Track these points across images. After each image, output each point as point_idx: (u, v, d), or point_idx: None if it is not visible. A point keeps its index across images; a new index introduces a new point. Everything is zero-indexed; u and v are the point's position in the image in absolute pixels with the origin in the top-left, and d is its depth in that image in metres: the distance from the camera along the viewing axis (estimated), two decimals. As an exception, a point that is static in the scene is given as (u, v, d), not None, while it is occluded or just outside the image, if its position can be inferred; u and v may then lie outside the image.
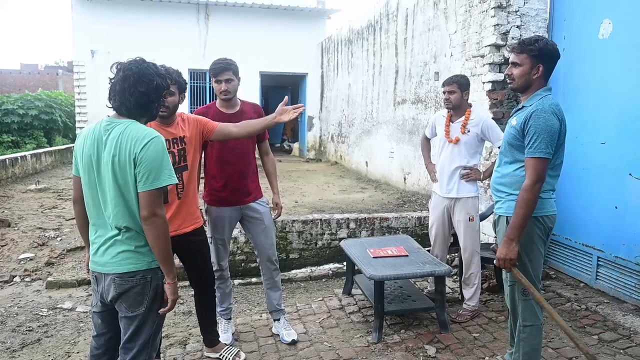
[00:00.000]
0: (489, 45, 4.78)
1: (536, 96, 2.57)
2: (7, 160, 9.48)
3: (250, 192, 3.38)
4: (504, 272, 2.75)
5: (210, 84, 14.05)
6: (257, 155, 3.53)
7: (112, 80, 2.13)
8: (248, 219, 3.44)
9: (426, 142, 4.22)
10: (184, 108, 10.79)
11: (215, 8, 13.38)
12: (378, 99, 9.27)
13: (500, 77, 4.75)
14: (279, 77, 14.67)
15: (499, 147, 3.78)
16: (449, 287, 4.39)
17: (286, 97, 3.31)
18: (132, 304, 2.12)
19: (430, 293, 4.03)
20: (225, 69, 3.21)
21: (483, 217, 4.21)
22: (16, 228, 6.32)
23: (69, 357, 3.51)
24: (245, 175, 3.33)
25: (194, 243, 3.02)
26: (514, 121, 2.62)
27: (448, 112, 3.86)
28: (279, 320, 3.60)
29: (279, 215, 3.62)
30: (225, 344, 3.30)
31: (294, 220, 5.36)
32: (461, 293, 4.01)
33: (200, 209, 3.19)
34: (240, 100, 3.42)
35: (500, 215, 2.70)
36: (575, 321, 3.69)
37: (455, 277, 4.57)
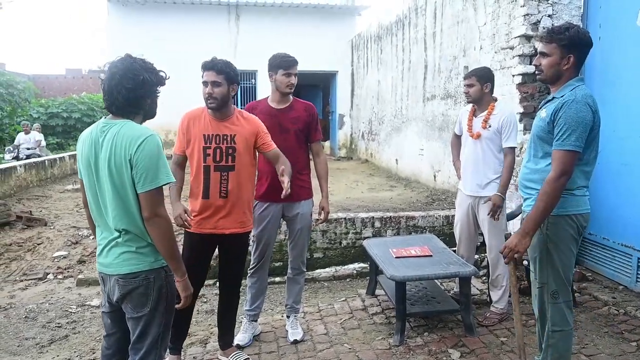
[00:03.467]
0: (518, 37, 4.59)
1: (567, 87, 2.42)
2: (46, 161, 9.80)
3: (293, 191, 3.27)
4: (532, 273, 2.61)
5: (241, 83, 14.25)
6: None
7: (102, 81, 2.10)
8: (286, 218, 3.45)
9: (456, 140, 4.07)
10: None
11: (245, 9, 13.46)
12: (407, 95, 9.11)
13: (531, 69, 4.54)
14: (310, 76, 14.61)
15: (500, 152, 3.63)
16: (477, 289, 4.24)
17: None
18: (136, 305, 2.11)
19: (456, 294, 3.89)
20: (295, 63, 3.31)
21: (512, 216, 4.04)
22: (52, 227, 6.51)
23: (93, 353, 3.57)
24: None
25: (233, 246, 3.06)
26: (543, 113, 2.48)
27: (472, 106, 3.72)
28: (289, 317, 3.59)
29: (325, 220, 3.55)
30: (235, 348, 3.26)
31: (317, 219, 5.28)
32: (489, 295, 3.86)
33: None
34: (292, 97, 3.43)
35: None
36: (612, 326, 3.49)
37: (484, 278, 4.41)
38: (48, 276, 5.23)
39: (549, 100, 2.51)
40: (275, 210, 3.36)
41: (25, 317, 4.27)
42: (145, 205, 2.03)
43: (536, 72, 2.56)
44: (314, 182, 3.54)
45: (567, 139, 2.31)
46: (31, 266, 5.46)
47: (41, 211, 7.29)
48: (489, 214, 3.58)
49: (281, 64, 3.28)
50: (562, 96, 2.41)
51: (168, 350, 3.02)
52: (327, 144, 15.48)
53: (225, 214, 2.94)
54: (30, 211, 6.99)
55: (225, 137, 2.91)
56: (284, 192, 2.80)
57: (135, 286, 2.09)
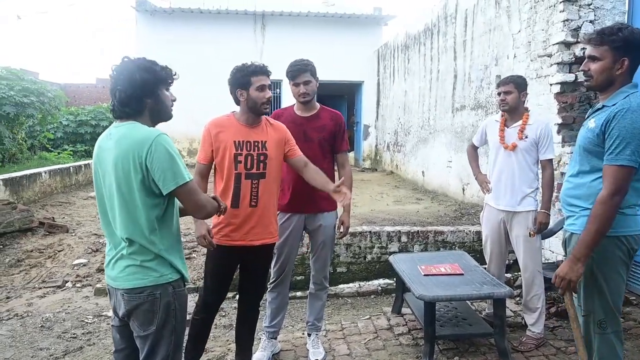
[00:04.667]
0: (557, 43, 4.35)
1: (620, 94, 2.19)
2: (71, 168, 9.86)
3: (316, 202, 3.20)
4: (575, 299, 2.37)
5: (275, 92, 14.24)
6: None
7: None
8: (308, 230, 3.30)
9: (473, 151, 3.86)
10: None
11: (271, 18, 13.45)
12: (435, 106, 8.88)
13: (570, 77, 4.31)
14: (335, 86, 14.51)
15: (535, 164, 3.40)
16: (511, 311, 3.98)
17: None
18: (142, 323, 2.00)
19: (489, 316, 3.65)
20: (302, 71, 3.12)
21: (550, 234, 3.78)
22: (73, 234, 6.47)
23: (107, 367, 3.44)
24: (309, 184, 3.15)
25: (258, 257, 2.91)
26: (592, 123, 2.25)
27: (502, 116, 3.51)
28: (310, 335, 3.41)
29: (344, 235, 3.36)
30: None
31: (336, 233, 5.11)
32: (524, 318, 3.60)
33: None
34: (320, 105, 3.29)
35: (572, 233, 2.33)
36: (660, 356, 3.20)
37: (518, 299, 4.14)
38: (67, 284, 5.16)
39: (599, 109, 2.28)
40: (297, 222, 3.20)
41: (41, 326, 4.18)
42: (182, 201, 2.03)
43: (584, 78, 2.34)
44: None
45: (620, 153, 2.09)
46: (50, 273, 5.40)
47: (64, 218, 7.28)
48: (531, 233, 3.35)
49: (289, 73, 3.16)
50: (614, 105, 2.18)
51: None
52: (351, 154, 15.31)
53: (254, 223, 2.80)
54: (53, 217, 6.98)
55: (256, 144, 2.79)
56: (343, 201, 2.75)
57: (140, 302, 1.98)
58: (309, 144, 3.14)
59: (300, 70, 3.11)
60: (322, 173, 2.95)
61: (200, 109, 10.63)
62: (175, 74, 2.14)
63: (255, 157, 2.78)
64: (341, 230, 3.30)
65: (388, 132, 12.54)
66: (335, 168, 3.37)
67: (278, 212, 3.21)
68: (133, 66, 2.00)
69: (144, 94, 2.01)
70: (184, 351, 2.85)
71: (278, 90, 13.34)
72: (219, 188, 2.82)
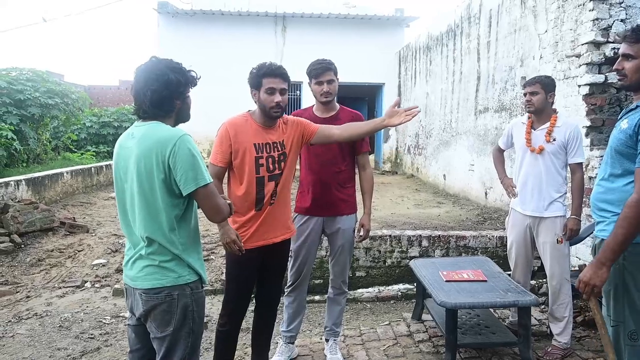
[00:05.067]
0: (586, 43, 4.21)
1: None
2: (92, 168, 9.97)
3: (335, 204, 3.13)
4: (604, 307, 2.26)
5: (293, 94, 14.22)
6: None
7: (132, 86, 2.04)
8: (327, 233, 3.23)
9: (499, 154, 3.74)
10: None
11: (292, 20, 13.44)
12: (458, 108, 8.73)
13: (599, 78, 4.16)
14: (356, 88, 14.42)
15: (564, 168, 3.27)
16: (536, 319, 3.84)
17: (397, 99, 3.10)
18: (160, 324, 1.98)
19: (513, 325, 3.53)
20: (327, 69, 3.06)
21: (578, 240, 3.64)
22: (94, 234, 6.52)
23: (123, 369, 3.41)
24: (329, 186, 3.10)
25: (277, 255, 2.86)
26: (624, 124, 2.14)
27: (529, 118, 3.38)
28: (327, 341, 3.34)
29: (364, 239, 3.29)
30: None
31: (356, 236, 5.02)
32: (549, 327, 3.47)
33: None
34: (339, 105, 3.23)
35: (603, 239, 2.21)
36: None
37: (543, 307, 4.01)
38: (86, 284, 5.18)
39: (632, 110, 2.17)
40: (315, 224, 3.14)
41: (60, 326, 4.19)
42: (200, 203, 2.01)
43: (617, 77, 2.23)
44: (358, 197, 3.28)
45: None
46: (70, 273, 5.43)
47: (84, 218, 7.35)
48: (558, 240, 3.22)
49: (311, 72, 3.08)
50: None
51: None
52: (371, 157, 15.19)
53: (274, 221, 2.75)
54: (74, 218, 7.05)
55: (275, 145, 2.72)
56: (401, 119, 2.85)
57: (157, 302, 1.96)
58: (328, 145, 3.07)
59: (324, 69, 3.05)
60: (355, 124, 2.91)
61: (221, 110, 10.60)
62: (199, 77, 2.14)
63: (276, 158, 2.72)
64: (361, 233, 3.23)
65: (409, 135, 12.40)
66: (356, 170, 3.30)
67: (296, 214, 3.17)
68: (164, 67, 2.00)
69: (175, 95, 2.02)
70: None
71: (298, 92, 13.32)
72: (237, 192, 2.70)
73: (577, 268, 4.33)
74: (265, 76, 2.64)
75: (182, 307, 1.99)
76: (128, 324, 2.17)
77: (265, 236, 2.74)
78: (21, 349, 3.82)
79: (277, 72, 2.65)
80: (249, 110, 2.82)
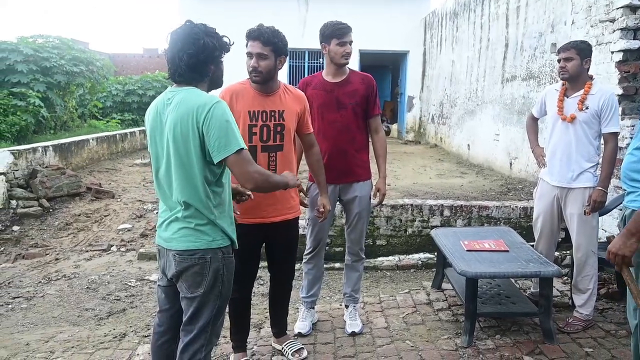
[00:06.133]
0: (622, 7, 4.02)
1: None
2: (117, 135, 10.11)
3: (351, 171, 3.11)
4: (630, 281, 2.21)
5: (309, 63, 14.06)
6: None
7: (165, 51, 2.03)
8: (342, 201, 3.21)
9: (533, 123, 3.63)
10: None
11: (315, -15, 13.16)
12: (484, 76, 8.51)
13: (635, 45, 3.99)
14: (379, 56, 14.18)
15: (597, 138, 3.15)
16: (558, 290, 3.81)
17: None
18: (191, 285, 2.03)
19: (534, 295, 3.50)
20: (349, 31, 3.00)
21: (605, 211, 3.56)
22: (119, 200, 6.65)
23: (148, 329, 3.52)
24: (345, 153, 3.06)
25: (281, 234, 2.77)
26: None
27: (562, 85, 3.26)
28: (347, 307, 3.36)
29: (380, 203, 3.28)
30: (290, 336, 3.09)
31: (382, 204, 5.01)
32: (572, 298, 3.43)
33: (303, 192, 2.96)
34: (349, 69, 3.15)
35: (634, 210, 2.15)
36: None
37: (565, 278, 3.96)
38: (112, 248, 5.32)
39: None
40: (331, 193, 3.08)
41: (87, 287, 4.34)
42: (233, 171, 2.01)
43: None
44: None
45: None
46: (97, 237, 5.58)
47: (110, 184, 7.49)
48: (586, 211, 3.14)
49: (334, 32, 2.97)
50: None
51: (232, 348, 2.89)
52: (394, 127, 15.03)
53: (273, 200, 2.65)
54: (100, 183, 7.19)
55: (272, 114, 2.61)
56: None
57: (191, 264, 2.01)
58: (342, 112, 3.02)
59: (347, 29, 2.98)
60: (322, 166, 2.87)
61: (242, 79, 10.61)
62: (232, 42, 2.14)
63: (272, 128, 2.61)
64: (377, 198, 3.21)
65: (433, 104, 12.19)
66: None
67: (311, 183, 3.14)
68: (200, 31, 1.99)
69: (210, 60, 2.03)
70: (230, 333, 2.88)
71: (321, 60, 13.14)
72: None
73: (604, 240, 4.26)
74: (247, 39, 2.57)
75: (214, 270, 2.03)
76: (158, 285, 2.22)
77: (264, 214, 2.65)
78: (51, 308, 3.97)
79: (254, 34, 2.53)
80: (249, 78, 2.72)
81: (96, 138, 9.12)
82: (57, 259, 5.05)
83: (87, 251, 5.24)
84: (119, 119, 14.61)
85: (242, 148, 1.95)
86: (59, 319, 3.80)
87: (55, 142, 7.85)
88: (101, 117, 14.70)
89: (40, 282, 4.49)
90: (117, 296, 4.18)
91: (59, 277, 4.56)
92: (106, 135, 9.67)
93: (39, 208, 6.09)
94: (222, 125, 1.92)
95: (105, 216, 6.13)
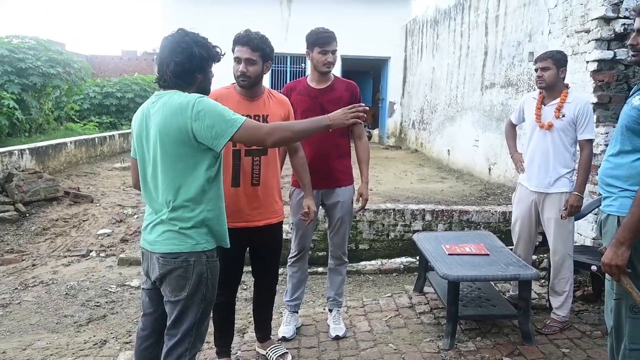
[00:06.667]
0: (596, 19, 4.15)
1: None
2: (96, 138, 9.98)
3: (334, 176, 3.13)
4: (607, 282, 2.28)
5: (291, 67, 14.07)
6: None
7: (156, 56, 2.09)
8: (325, 206, 3.23)
9: (511, 129, 3.73)
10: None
11: (297, -10, 13.21)
12: (464, 83, 8.65)
13: (609, 55, 4.11)
14: (361, 62, 14.27)
15: (573, 144, 3.25)
16: (536, 293, 3.89)
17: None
18: (175, 288, 2.03)
19: (513, 298, 3.57)
20: (333, 39, 3.03)
21: (580, 216, 3.65)
22: (98, 204, 6.57)
23: (129, 336, 3.48)
24: (328, 158, 3.09)
25: (265, 239, 2.79)
26: (637, 100, 2.12)
27: (540, 93, 3.35)
28: (331, 311, 3.38)
29: (363, 208, 3.32)
30: (274, 340, 3.09)
31: (365, 209, 5.05)
32: (549, 300, 3.51)
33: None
34: (334, 75, 3.18)
35: (609, 214, 2.22)
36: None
37: (543, 281, 4.05)
38: (91, 253, 5.24)
39: (644, 86, 2.15)
40: (314, 197, 3.08)
41: (66, 294, 4.27)
42: (248, 143, 2.20)
43: (631, 53, 2.20)
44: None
45: None
46: (75, 242, 5.50)
47: (89, 188, 7.39)
48: (562, 216, 3.23)
49: (317, 40, 3.00)
50: None
51: (216, 353, 2.88)
52: (375, 132, 15.13)
53: (257, 203, 2.67)
54: (78, 188, 7.09)
55: (257, 118, 2.63)
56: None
57: (174, 267, 2.02)
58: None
59: (330, 38, 3.01)
60: (307, 169, 2.86)
61: (226, 80, 10.58)
62: (223, 53, 2.18)
63: None
64: (360, 203, 3.25)
65: (414, 110, 12.33)
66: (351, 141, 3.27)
67: (294, 188, 3.16)
68: (190, 40, 2.03)
69: (197, 69, 2.06)
70: (215, 339, 2.87)
71: (303, 65, 13.18)
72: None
73: (578, 244, 4.36)
74: (235, 44, 2.60)
75: (198, 274, 2.03)
76: (142, 288, 2.22)
77: (248, 218, 2.65)
78: (28, 315, 3.90)
79: (243, 40, 2.56)
80: (234, 83, 2.76)
81: (74, 141, 8.98)
82: (34, 265, 4.96)
83: (66, 257, 5.15)
84: (96, 122, 14.38)
85: (243, 120, 1.98)
86: (37, 326, 3.74)
87: (32, 145, 7.72)
88: (78, 120, 14.45)
89: (16, 288, 4.40)
90: (97, 302, 4.12)
91: (36, 284, 4.48)
92: (85, 139, 9.53)
93: (15, 213, 5.97)
94: (213, 111, 1.95)
95: (84, 221, 6.05)
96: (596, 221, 2.45)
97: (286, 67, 13.23)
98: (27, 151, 7.20)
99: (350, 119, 2.26)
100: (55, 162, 8.14)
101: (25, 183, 6.27)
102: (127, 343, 3.33)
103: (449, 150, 9.49)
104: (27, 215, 6.07)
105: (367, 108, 2.41)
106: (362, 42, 12.98)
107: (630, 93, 2.27)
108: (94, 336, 3.49)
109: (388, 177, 7.97)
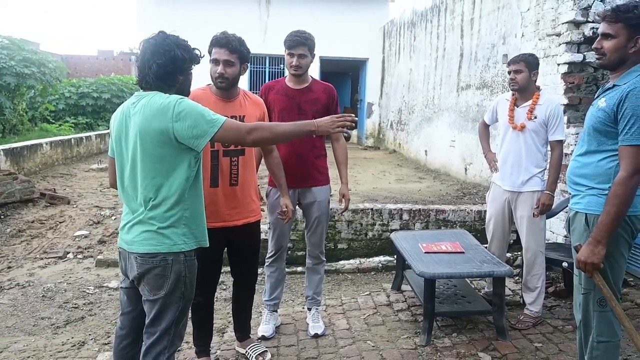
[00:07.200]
0: (566, 22, 4.28)
1: (632, 73, 2.16)
2: (72, 139, 9.84)
3: (310, 176, 3.17)
4: (575, 277, 2.38)
5: (270, 68, 14.07)
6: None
7: (137, 57, 2.10)
8: (302, 205, 3.26)
9: (485, 129, 3.82)
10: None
11: (276, -9, 13.23)
12: (440, 85, 8.79)
13: (578, 57, 4.25)
14: (339, 63, 14.36)
15: (544, 145, 3.35)
16: (510, 289, 4.00)
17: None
18: (153, 287, 2.05)
19: (488, 295, 3.66)
20: (300, 43, 3.03)
21: (552, 214, 3.77)
22: (75, 206, 6.49)
23: (108, 337, 3.47)
24: (305, 158, 3.13)
25: (244, 238, 2.81)
26: (602, 102, 2.22)
27: (513, 95, 3.45)
28: (310, 310, 3.42)
29: (346, 209, 3.39)
30: (253, 339, 3.12)
31: (339, 208, 5.11)
32: (522, 297, 3.62)
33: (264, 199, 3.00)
34: (312, 77, 3.23)
35: (577, 212, 2.32)
36: (657, 337, 3.22)
37: (517, 278, 4.16)
38: (68, 255, 5.18)
39: (609, 88, 2.25)
40: (291, 197, 3.12)
41: (43, 296, 4.22)
42: (229, 142, 2.27)
43: (596, 56, 2.30)
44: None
45: (636, 132, 2.06)
46: (52, 244, 5.42)
47: (65, 189, 7.29)
48: (534, 214, 3.33)
49: (285, 42, 3.06)
50: (625, 83, 2.15)
51: (196, 353, 2.89)
52: (354, 132, 15.22)
53: (235, 204, 2.70)
54: (54, 189, 6.99)
55: (234, 119, 2.62)
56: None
57: (152, 266, 2.03)
58: (302, 117, 3.03)
59: (298, 42, 3.03)
60: (282, 169, 2.91)
61: (204, 81, 10.54)
62: (202, 55, 2.22)
63: None
64: (343, 204, 3.30)
65: (392, 111, 12.46)
66: (328, 143, 3.31)
67: (270, 187, 3.19)
68: (171, 43, 2.06)
69: (179, 71, 2.09)
70: (194, 338, 2.89)
71: (282, 66, 13.20)
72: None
73: (550, 241, 4.49)
74: (213, 46, 2.62)
75: (176, 272, 2.05)
76: (121, 287, 2.23)
77: (225, 217, 2.68)
78: (4, 318, 3.84)
79: (221, 42, 2.58)
80: (209, 84, 2.78)
81: (50, 142, 8.84)
82: (9, 267, 4.88)
83: (42, 259, 5.08)
84: (72, 123, 14.15)
85: (224, 121, 2.01)
86: (13, 328, 3.69)
87: (7, 146, 7.58)
88: (53, 121, 14.20)
89: (-9, 291, 4.33)
90: (75, 304, 4.08)
91: (12, 286, 4.41)
92: (61, 140, 9.38)
93: (-11, 215, 5.86)
94: (194, 112, 1.97)
95: (60, 222, 5.97)
96: (566, 219, 2.54)
97: (265, 68, 13.24)
98: (2, 152, 7.08)
99: (336, 127, 2.19)
100: (31, 163, 8.00)
101: (0, 184, 6.16)
102: (105, 344, 3.32)
103: (426, 151, 9.62)
104: (2, 217, 5.96)
105: (357, 119, 2.41)
106: (340, 43, 13.07)
107: (596, 95, 2.37)
108: (72, 338, 3.46)
109: (366, 177, 8.04)
